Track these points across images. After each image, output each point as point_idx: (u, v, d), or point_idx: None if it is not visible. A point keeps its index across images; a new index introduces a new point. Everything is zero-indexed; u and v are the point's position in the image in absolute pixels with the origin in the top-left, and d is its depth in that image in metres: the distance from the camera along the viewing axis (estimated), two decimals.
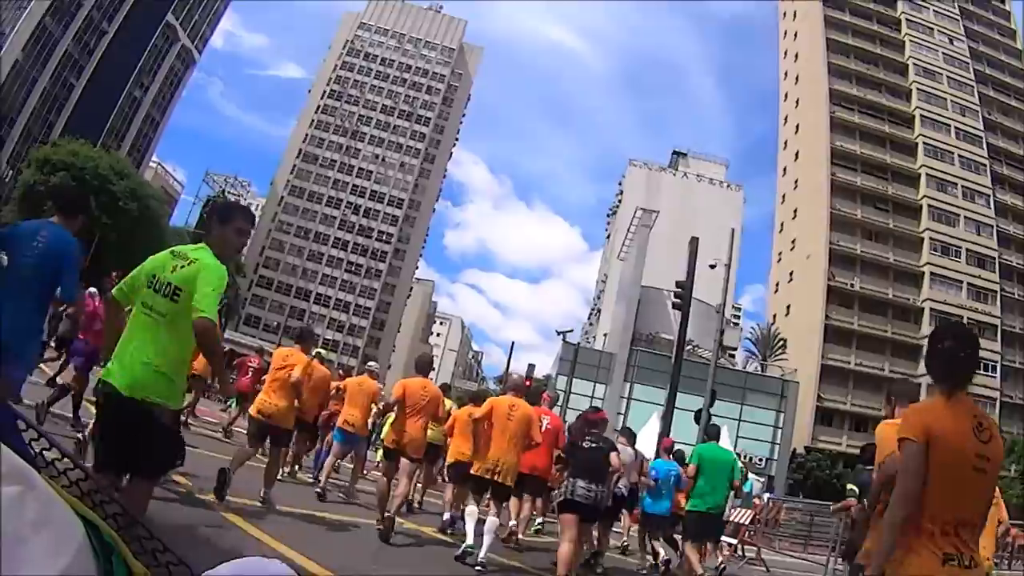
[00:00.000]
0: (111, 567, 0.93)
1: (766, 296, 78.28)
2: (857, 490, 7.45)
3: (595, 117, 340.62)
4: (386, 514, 7.69)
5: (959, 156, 67.86)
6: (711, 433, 9.58)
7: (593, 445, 7.55)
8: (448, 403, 10.49)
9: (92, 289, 10.36)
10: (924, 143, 67.64)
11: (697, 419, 23.83)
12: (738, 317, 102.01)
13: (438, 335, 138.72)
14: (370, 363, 12.51)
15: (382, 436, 10.11)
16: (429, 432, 9.15)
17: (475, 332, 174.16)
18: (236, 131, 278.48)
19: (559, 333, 51.14)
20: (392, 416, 8.69)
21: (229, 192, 54.58)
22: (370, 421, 11.63)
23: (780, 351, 58.18)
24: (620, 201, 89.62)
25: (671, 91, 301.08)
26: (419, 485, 11.22)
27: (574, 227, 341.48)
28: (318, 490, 9.76)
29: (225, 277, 3.95)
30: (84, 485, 1.01)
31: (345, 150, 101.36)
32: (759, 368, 57.26)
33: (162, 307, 3.88)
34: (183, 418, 10.02)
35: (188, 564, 1.07)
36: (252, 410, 8.53)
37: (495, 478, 7.79)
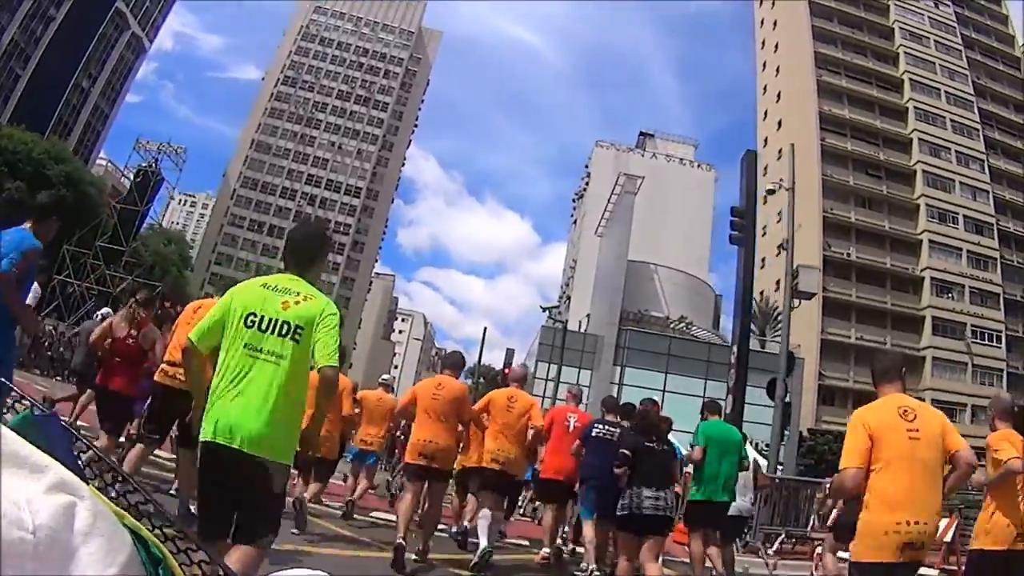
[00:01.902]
0: None
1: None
2: None
3: (552, 112, 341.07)
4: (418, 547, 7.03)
5: (951, 120, 65.17)
6: (713, 409, 8.51)
7: (659, 448, 6.79)
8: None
9: (106, 311, 9.75)
10: (915, 107, 64.77)
11: (770, 392, 20.07)
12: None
13: (400, 332, 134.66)
14: (383, 376, 11.90)
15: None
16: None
17: (434, 329, 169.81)
18: (191, 134, 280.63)
19: (544, 309, 45.71)
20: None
21: (172, 160, 48.44)
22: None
23: (778, 328, 53.52)
24: (587, 184, 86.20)
25: (630, 86, 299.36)
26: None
27: (526, 220, 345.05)
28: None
29: (338, 313, 3.75)
30: (131, 497, 1.03)
31: (300, 138, 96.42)
32: (758, 345, 52.61)
33: (278, 348, 3.52)
34: None
35: (234, 574, 1.08)
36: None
37: (500, 468, 7.58)
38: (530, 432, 7.74)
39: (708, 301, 67.51)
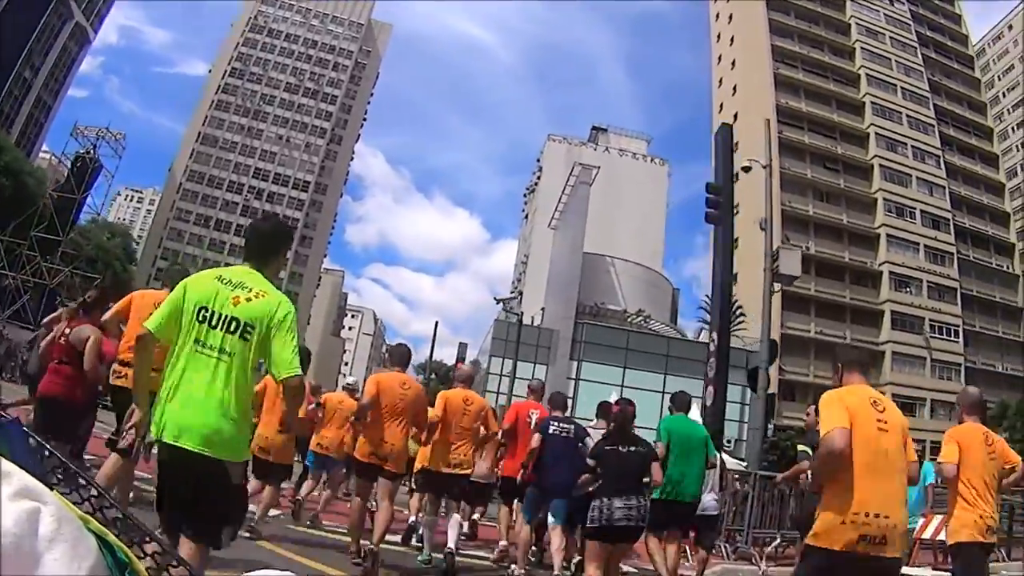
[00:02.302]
0: None
1: (707, 267, 73.09)
2: (809, 451, 7.42)
3: (502, 109, 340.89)
4: (368, 546, 6.54)
5: (907, 116, 65.37)
6: (679, 403, 7.95)
7: (631, 449, 6.35)
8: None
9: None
10: (871, 102, 64.56)
11: (752, 383, 18.27)
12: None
13: (350, 328, 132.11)
14: (349, 380, 11.60)
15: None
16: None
17: (384, 326, 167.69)
18: (138, 128, 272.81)
19: (498, 301, 43.49)
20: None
21: (111, 147, 45.66)
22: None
23: (739, 320, 52.05)
24: (539, 178, 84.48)
25: (580, 84, 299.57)
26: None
27: (475, 217, 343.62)
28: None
29: (295, 313, 3.55)
30: (96, 502, 1.03)
31: (247, 131, 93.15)
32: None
33: (227, 345, 3.39)
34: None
35: (187, 564, 1.07)
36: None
37: (460, 472, 7.50)
38: (485, 434, 7.95)
39: (666, 295, 66.09)
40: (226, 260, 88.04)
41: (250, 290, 3.47)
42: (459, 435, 7.47)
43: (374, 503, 7.55)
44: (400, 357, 7.43)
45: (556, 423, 7.75)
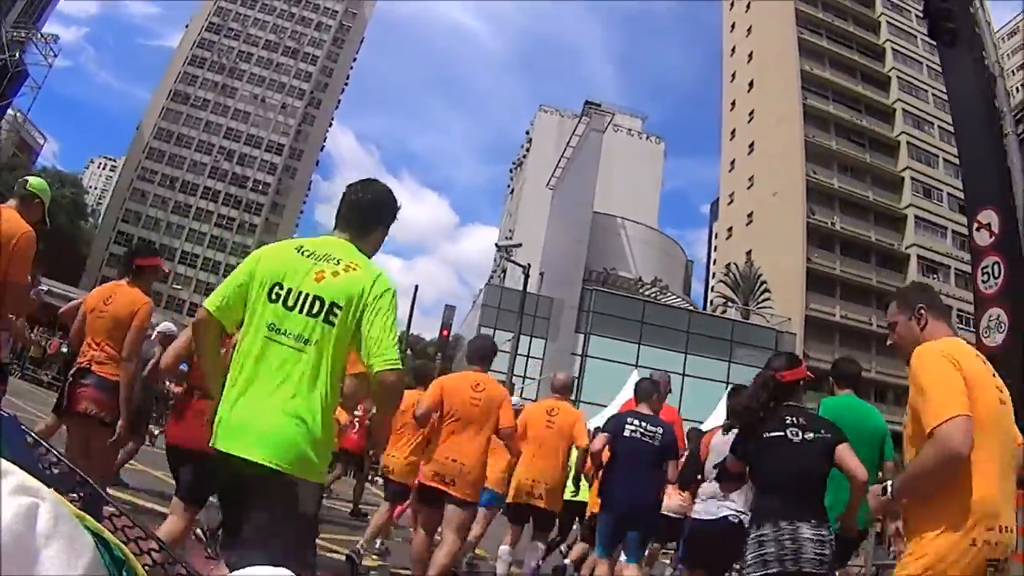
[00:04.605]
0: None
1: (714, 243, 68.69)
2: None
3: (485, 97, 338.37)
4: None
5: (932, 95, 60.40)
6: (845, 375, 5.73)
7: (808, 437, 3.86)
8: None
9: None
10: (898, 77, 60.25)
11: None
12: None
13: None
14: None
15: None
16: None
17: None
18: (117, 100, 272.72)
19: (500, 247, 37.63)
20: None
21: (39, 51, 39.58)
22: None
23: (764, 296, 47.04)
24: (528, 151, 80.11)
25: (569, 75, 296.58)
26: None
27: (443, 199, 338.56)
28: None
29: (396, 294, 2.83)
30: (92, 499, 1.05)
31: (221, 89, 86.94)
32: (740, 317, 46.03)
33: (306, 331, 2.71)
34: None
35: (187, 564, 1.08)
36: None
37: (535, 503, 6.53)
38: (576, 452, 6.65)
39: (679, 265, 61.16)
40: (191, 225, 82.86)
41: (338, 263, 2.78)
42: (535, 452, 6.52)
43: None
44: (478, 352, 6.00)
45: (636, 422, 5.93)
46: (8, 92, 37.45)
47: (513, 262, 35.86)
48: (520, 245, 33.37)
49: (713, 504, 5.21)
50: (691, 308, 48.59)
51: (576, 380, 41.15)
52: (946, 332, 2.91)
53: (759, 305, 46.39)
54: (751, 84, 63.25)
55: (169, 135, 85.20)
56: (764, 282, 47.87)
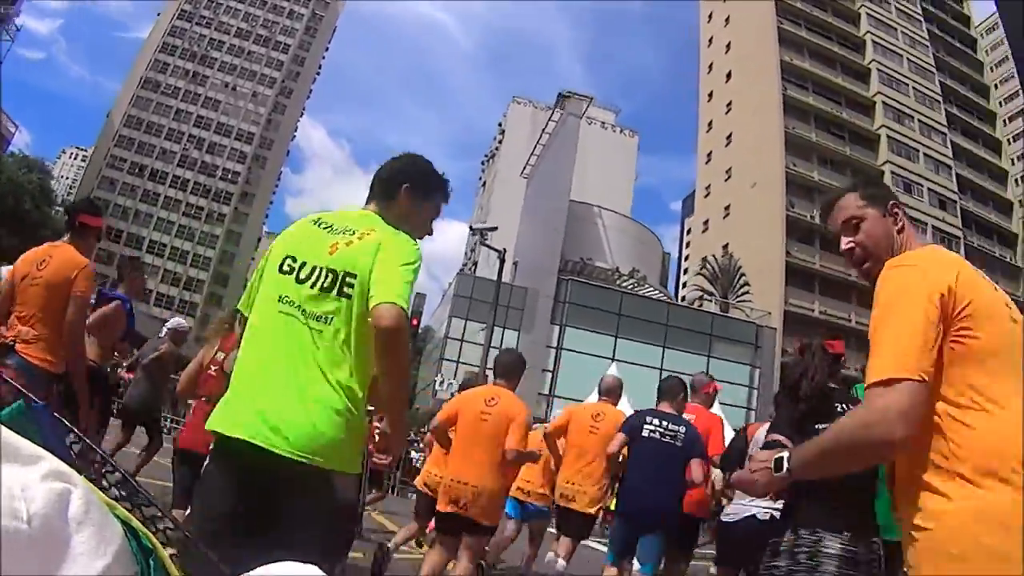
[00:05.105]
0: (149, 570, 0.98)
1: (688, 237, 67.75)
2: None
3: (455, 93, 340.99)
4: None
5: (913, 88, 60.99)
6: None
7: None
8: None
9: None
10: (878, 69, 59.66)
11: None
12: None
13: None
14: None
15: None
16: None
17: None
18: (91, 92, 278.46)
19: (474, 230, 36.05)
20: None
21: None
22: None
23: (743, 290, 45.92)
24: (501, 142, 79.37)
25: (537, 72, 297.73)
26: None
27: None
28: None
29: (420, 258, 2.46)
30: (124, 488, 1.08)
31: (192, 76, 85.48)
32: (718, 310, 44.96)
33: (320, 307, 2.37)
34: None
35: (224, 566, 1.10)
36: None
37: (570, 506, 6.31)
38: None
39: (656, 256, 60.02)
40: (159, 214, 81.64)
41: (354, 233, 2.47)
42: (576, 458, 6.40)
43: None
44: (503, 367, 5.49)
45: (656, 421, 5.54)
46: None
47: (488, 246, 34.50)
48: (496, 228, 31.95)
49: (740, 504, 4.91)
50: (669, 300, 47.42)
51: (552, 373, 39.91)
52: (926, 242, 2.16)
53: (738, 299, 45.32)
54: (728, 75, 62.56)
55: (139, 123, 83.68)
56: (743, 274, 46.83)
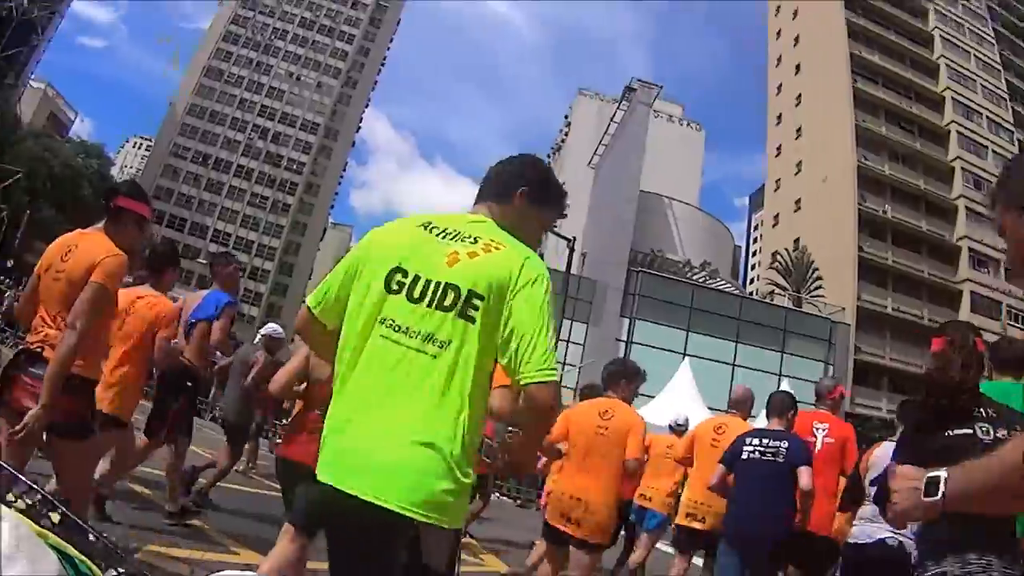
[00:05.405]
0: None
1: (759, 231, 67.72)
2: None
3: (519, 87, 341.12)
4: None
5: (981, 85, 60.21)
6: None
7: (998, 435, 2.57)
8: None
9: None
10: (946, 65, 59.14)
11: None
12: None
13: None
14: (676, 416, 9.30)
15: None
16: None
17: None
18: (154, 83, 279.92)
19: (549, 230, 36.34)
20: None
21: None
22: None
23: (816, 285, 46.11)
24: (566, 136, 79.91)
25: (601, 67, 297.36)
26: None
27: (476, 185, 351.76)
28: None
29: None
30: (56, 517, 1.03)
31: (256, 66, 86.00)
32: (791, 304, 45.11)
33: (440, 329, 2.07)
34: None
35: None
36: None
37: (696, 526, 6.16)
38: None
39: (727, 248, 60.26)
40: (223, 203, 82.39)
41: (476, 241, 2.18)
42: (701, 473, 6.07)
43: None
44: (612, 376, 5.34)
45: (755, 440, 5.17)
46: (13, 43, 35.88)
47: (558, 234, 35.06)
48: (566, 216, 32.27)
49: (869, 526, 4.34)
50: (742, 294, 47.74)
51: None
52: None
53: (811, 294, 45.53)
54: (798, 67, 62.47)
55: (203, 112, 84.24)
56: (816, 269, 47.03)
